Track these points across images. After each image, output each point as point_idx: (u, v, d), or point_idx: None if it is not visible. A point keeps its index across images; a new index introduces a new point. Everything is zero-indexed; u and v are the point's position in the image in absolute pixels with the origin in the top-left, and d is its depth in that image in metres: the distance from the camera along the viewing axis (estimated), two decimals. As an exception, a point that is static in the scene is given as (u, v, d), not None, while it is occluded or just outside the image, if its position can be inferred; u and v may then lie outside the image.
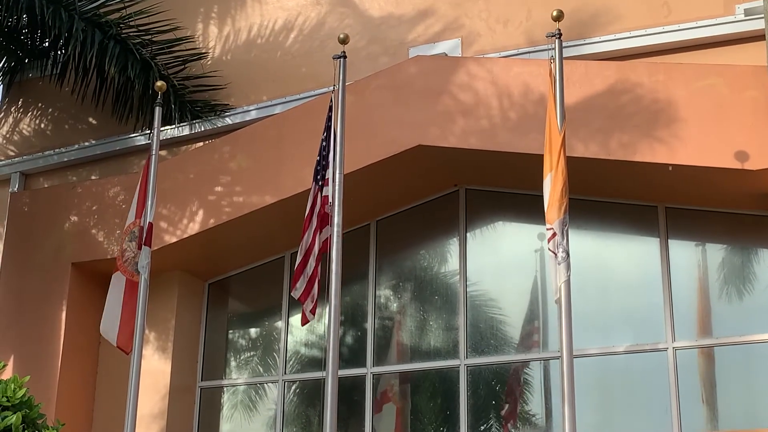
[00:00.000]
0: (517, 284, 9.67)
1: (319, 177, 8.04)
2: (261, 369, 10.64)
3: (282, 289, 10.57)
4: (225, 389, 10.66)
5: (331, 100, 8.25)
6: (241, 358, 10.84)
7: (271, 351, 10.59)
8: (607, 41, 9.63)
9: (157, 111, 9.13)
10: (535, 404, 9.38)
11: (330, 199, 7.91)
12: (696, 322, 8.95)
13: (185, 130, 11.20)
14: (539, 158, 7.61)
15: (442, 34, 10.49)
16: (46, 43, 11.73)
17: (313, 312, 7.95)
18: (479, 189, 9.93)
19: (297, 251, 7.98)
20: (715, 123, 8.31)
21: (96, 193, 10.75)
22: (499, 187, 9.76)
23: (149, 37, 11.22)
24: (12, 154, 12.31)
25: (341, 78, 8.29)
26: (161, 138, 9.59)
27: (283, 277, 10.57)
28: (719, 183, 8.49)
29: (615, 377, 9.05)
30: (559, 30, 7.79)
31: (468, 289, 9.74)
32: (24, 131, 12.41)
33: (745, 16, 9.13)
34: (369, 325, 10.09)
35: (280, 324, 10.59)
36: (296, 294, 7.95)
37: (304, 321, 8.02)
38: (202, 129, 11.14)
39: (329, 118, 8.19)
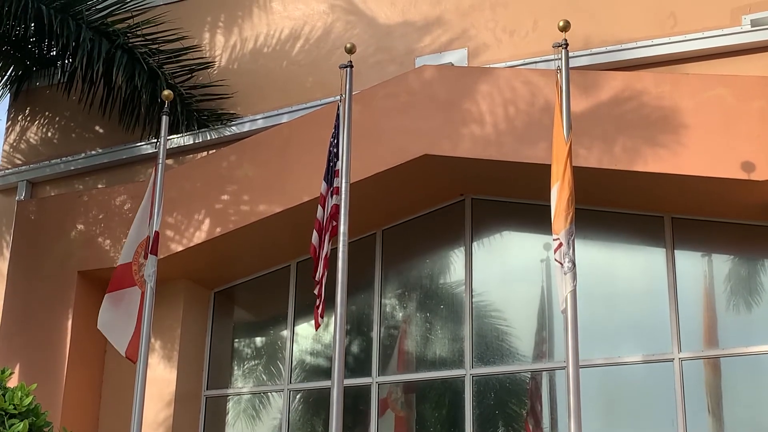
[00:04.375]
0: (523, 294, 9.65)
1: (330, 187, 8.01)
2: (266, 378, 10.63)
3: (288, 298, 10.56)
4: (230, 398, 10.65)
5: (338, 109, 8.26)
6: (247, 366, 10.83)
7: (277, 360, 10.58)
8: (613, 51, 9.64)
9: (164, 120, 9.14)
10: (541, 414, 9.35)
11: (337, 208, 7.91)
12: (702, 333, 8.93)
13: (192, 139, 11.24)
14: (546, 168, 7.61)
15: (450, 44, 10.51)
16: (54, 52, 11.79)
17: (322, 315, 7.92)
18: (485, 198, 9.93)
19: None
20: (721, 133, 8.30)
21: (102, 201, 10.76)
22: (506, 196, 9.75)
23: (156, 46, 11.26)
24: (19, 162, 12.34)
25: (348, 87, 8.29)
26: (168, 147, 9.60)
27: (289, 285, 10.57)
28: (726, 193, 8.48)
29: (621, 387, 9.03)
30: (566, 40, 7.79)
31: (474, 299, 9.73)
32: (31, 140, 12.44)
33: (752, 27, 9.15)
34: (374, 335, 10.08)
35: (285, 333, 10.58)
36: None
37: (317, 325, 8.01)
38: (209, 138, 11.18)
39: (336, 127, 8.19)
